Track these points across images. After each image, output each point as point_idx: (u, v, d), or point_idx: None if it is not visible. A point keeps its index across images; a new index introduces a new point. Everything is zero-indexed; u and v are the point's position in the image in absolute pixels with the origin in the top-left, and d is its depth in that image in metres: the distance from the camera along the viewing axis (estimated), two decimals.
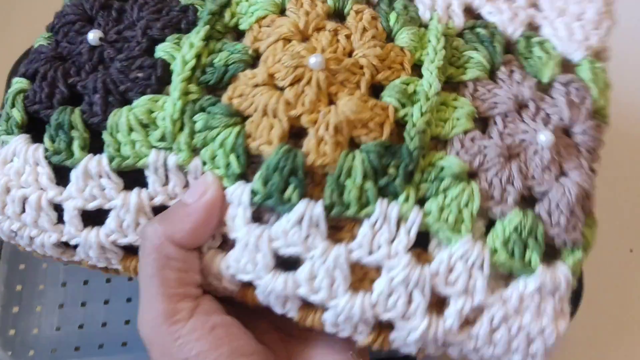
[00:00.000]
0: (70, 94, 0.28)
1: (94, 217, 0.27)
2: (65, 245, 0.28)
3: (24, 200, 0.27)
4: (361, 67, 0.27)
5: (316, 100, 0.26)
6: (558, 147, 0.28)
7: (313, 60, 0.26)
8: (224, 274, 0.26)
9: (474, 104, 0.28)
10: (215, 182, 0.26)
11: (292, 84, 0.27)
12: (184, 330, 0.25)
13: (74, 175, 0.27)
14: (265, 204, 0.26)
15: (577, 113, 0.29)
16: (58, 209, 0.27)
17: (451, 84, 0.29)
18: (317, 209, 0.25)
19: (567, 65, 0.31)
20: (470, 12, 0.32)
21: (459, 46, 0.30)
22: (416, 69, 0.28)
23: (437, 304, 0.26)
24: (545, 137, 0.27)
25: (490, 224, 0.27)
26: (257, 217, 0.26)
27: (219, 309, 0.26)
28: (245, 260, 0.26)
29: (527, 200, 0.27)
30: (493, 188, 0.27)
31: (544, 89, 0.30)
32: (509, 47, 0.31)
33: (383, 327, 0.27)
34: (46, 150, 0.27)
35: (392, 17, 0.29)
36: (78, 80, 0.28)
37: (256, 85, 0.27)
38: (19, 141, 0.28)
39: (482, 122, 0.28)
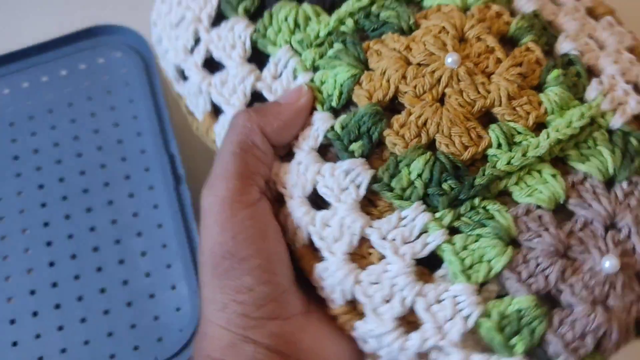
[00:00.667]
0: None
1: (214, 66, 0.32)
2: (182, 76, 0.33)
3: (182, 18, 0.32)
4: (488, 91, 0.27)
5: (428, 90, 0.27)
6: (616, 280, 0.26)
7: (450, 59, 0.27)
8: (276, 180, 0.29)
9: (568, 192, 0.27)
10: (309, 92, 0.28)
11: (419, 65, 0.28)
12: (246, 211, 0.26)
13: (225, 24, 0.31)
14: (334, 144, 0.28)
15: None
16: (197, 41, 0.32)
17: (564, 164, 0.28)
18: (366, 173, 0.27)
19: None
20: None
21: (599, 138, 0.28)
22: (539, 127, 0.28)
23: (410, 323, 0.27)
24: (609, 264, 0.25)
25: (503, 294, 0.26)
26: (323, 146, 0.29)
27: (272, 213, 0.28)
28: (292, 178, 0.29)
29: (552, 299, 0.26)
30: (525, 266, 0.26)
31: None
32: None
33: (356, 311, 0.28)
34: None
35: (554, 73, 0.28)
36: None
37: (393, 49, 0.29)
38: None
39: (565, 213, 0.27)
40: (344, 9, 0.30)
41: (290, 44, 0.30)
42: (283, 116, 0.28)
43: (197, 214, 0.39)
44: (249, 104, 0.31)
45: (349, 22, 0.30)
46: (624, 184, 0.28)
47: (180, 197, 0.40)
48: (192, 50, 0.32)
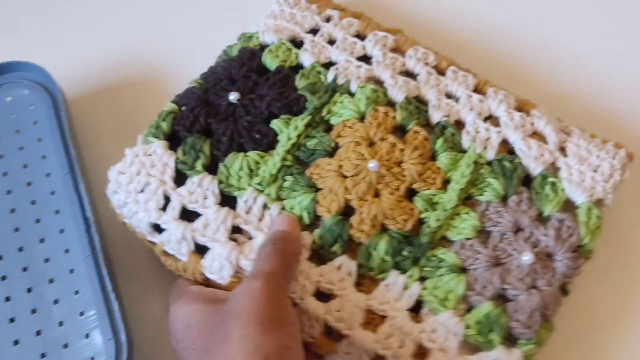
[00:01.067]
0: (205, 127, 0.41)
1: (186, 216, 0.39)
2: (156, 229, 0.38)
3: (146, 184, 0.39)
4: (404, 176, 0.39)
5: (366, 191, 0.38)
6: (536, 266, 0.37)
7: (371, 165, 0.38)
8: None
9: (481, 219, 0.38)
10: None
11: (352, 176, 0.38)
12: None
13: (190, 181, 0.39)
14: (319, 252, 0.37)
15: (561, 245, 0.38)
16: (166, 200, 0.39)
17: (470, 200, 0.39)
18: (351, 264, 0.37)
19: (570, 205, 0.40)
20: (505, 144, 0.42)
21: (485, 173, 0.40)
22: (446, 182, 0.39)
23: (420, 355, 0.36)
24: (527, 257, 0.37)
25: (471, 307, 0.37)
26: (315, 253, 0.38)
27: None
28: (294, 282, 0.37)
29: (503, 298, 0.37)
30: (477, 283, 0.37)
31: (544, 219, 0.39)
32: (527, 178, 0.41)
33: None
34: (177, 158, 0.39)
35: (439, 142, 0.40)
36: (213, 122, 0.41)
37: (329, 170, 0.39)
38: (160, 145, 0.40)
39: (485, 234, 0.39)
40: (282, 149, 0.40)
41: (252, 186, 0.39)
42: (299, 252, 0.37)
43: (106, 258, 0.40)
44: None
45: (289, 158, 0.40)
46: (514, 197, 0.39)
47: (92, 240, 0.40)
48: (164, 208, 0.39)
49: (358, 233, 0.37)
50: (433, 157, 0.40)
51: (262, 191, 0.39)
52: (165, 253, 0.39)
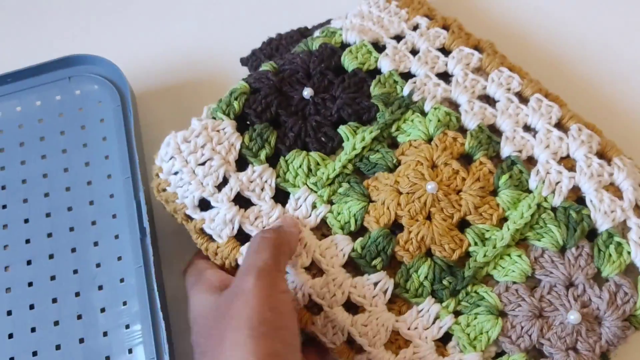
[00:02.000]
0: (275, 117, 0.41)
1: (239, 201, 0.38)
2: (201, 205, 0.38)
3: (209, 159, 0.39)
4: (460, 205, 0.37)
5: (419, 211, 0.37)
6: (581, 328, 0.35)
7: (430, 186, 0.37)
8: (312, 293, 0.38)
9: (533, 265, 0.37)
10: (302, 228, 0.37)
11: (408, 194, 0.38)
12: (284, 294, 0.32)
13: (251, 169, 0.39)
14: (357, 260, 0.37)
15: (613, 311, 0.36)
16: (224, 180, 0.38)
17: (526, 241, 0.38)
18: (390, 282, 0.36)
19: (632, 270, 0.38)
20: (575, 191, 0.39)
21: (546, 218, 0.38)
22: (503, 220, 0.38)
23: None
24: (573, 317, 0.35)
25: (502, 354, 0.35)
26: (353, 263, 0.37)
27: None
28: (329, 290, 0.37)
29: (538, 352, 0.35)
30: (513, 331, 0.35)
31: (601, 280, 0.37)
32: (592, 232, 0.38)
33: None
34: (243, 142, 0.40)
35: (504, 178, 0.38)
36: (283, 114, 0.41)
37: (386, 184, 0.38)
38: (230, 125, 0.40)
39: (533, 279, 0.37)
40: (345, 157, 0.39)
41: (307, 185, 0.39)
42: (293, 245, 0.37)
43: (157, 271, 0.38)
44: None
45: (349, 166, 0.40)
46: (573, 250, 0.37)
47: (145, 251, 0.38)
48: (219, 187, 0.39)
49: (402, 251, 0.37)
50: (495, 192, 0.39)
51: (315, 192, 0.39)
52: (202, 231, 0.39)
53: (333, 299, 0.36)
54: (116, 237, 0.40)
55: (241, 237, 0.38)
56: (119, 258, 0.39)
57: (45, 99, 0.44)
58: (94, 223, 0.40)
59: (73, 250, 0.39)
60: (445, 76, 0.44)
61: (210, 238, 0.39)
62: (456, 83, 0.43)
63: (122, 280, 0.38)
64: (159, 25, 0.53)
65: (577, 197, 0.39)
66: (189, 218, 0.39)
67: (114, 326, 0.37)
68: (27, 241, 0.40)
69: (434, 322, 0.36)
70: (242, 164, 0.40)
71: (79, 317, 0.38)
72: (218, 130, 0.40)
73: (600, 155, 0.41)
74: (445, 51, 0.45)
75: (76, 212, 0.40)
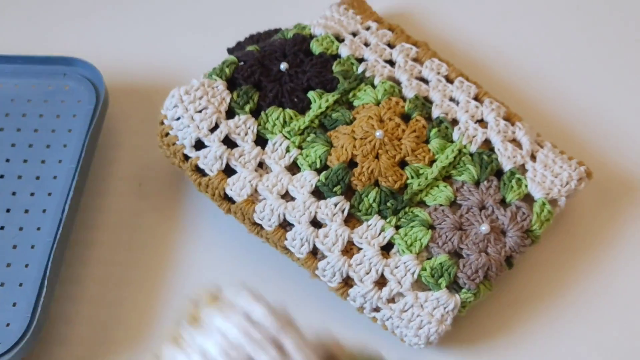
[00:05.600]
0: (257, 82, 0.52)
1: (227, 143, 0.47)
2: (197, 145, 0.48)
3: (205, 107, 0.50)
4: (401, 148, 0.49)
5: (369, 152, 0.49)
6: (490, 237, 0.47)
7: (378, 133, 0.49)
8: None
9: (455, 194, 0.49)
10: None
11: (361, 139, 0.50)
12: None
13: (238, 118, 0.50)
14: (321, 188, 0.48)
15: (514, 225, 0.48)
16: (215, 125, 0.48)
17: (450, 177, 0.50)
18: (346, 204, 0.48)
19: (529, 200, 0.50)
20: (487, 143, 0.52)
21: (465, 160, 0.50)
22: (433, 162, 0.50)
23: (380, 282, 0.47)
24: (484, 228, 0.47)
25: (430, 257, 0.47)
26: (318, 190, 0.48)
27: None
28: (299, 210, 0.48)
29: (457, 255, 0.47)
30: (440, 239, 0.47)
31: (506, 204, 0.49)
32: (499, 172, 0.51)
33: (348, 284, 0.47)
34: (232, 98, 0.51)
35: (434, 130, 0.51)
36: (264, 80, 0.52)
37: (345, 133, 0.50)
38: (221, 84, 0.52)
39: (456, 206, 0.49)
40: (312, 113, 0.51)
41: (282, 133, 0.51)
42: None
43: (60, 249, 0.46)
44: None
45: (316, 121, 0.51)
46: (485, 182, 0.50)
47: (57, 231, 0.46)
48: (212, 130, 0.50)
49: (356, 181, 0.48)
50: (427, 141, 0.51)
51: (288, 138, 0.50)
52: (196, 168, 0.48)
53: (302, 217, 0.48)
54: (44, 211, 0.48)
55: (228, 172, 0.49)
56: (38, 228, 0.48)
57: (40, 84, 0.54)
58: (32, 194, 0.49)
59: (7, 210, 0.49)
60: (390, 63, 0.56)
61: (202, 174, 0.49)
62: (398, 66, 0.55)
63: (32, 247, 0.47)
64: (148, 32, 0.63)
65: (488, 148, 0.52)
66: (185, 159, 0.50)
67: (11, 280, 0.46)
68: None
69: (379, 234, 0.47)
70: (231, 115, 0.51)
71: None
72: (213, 87, 0.52)
73: (506, 119, 0.53)
74: (390, 46, 0.57)
75: (24, 180, 0.50)
